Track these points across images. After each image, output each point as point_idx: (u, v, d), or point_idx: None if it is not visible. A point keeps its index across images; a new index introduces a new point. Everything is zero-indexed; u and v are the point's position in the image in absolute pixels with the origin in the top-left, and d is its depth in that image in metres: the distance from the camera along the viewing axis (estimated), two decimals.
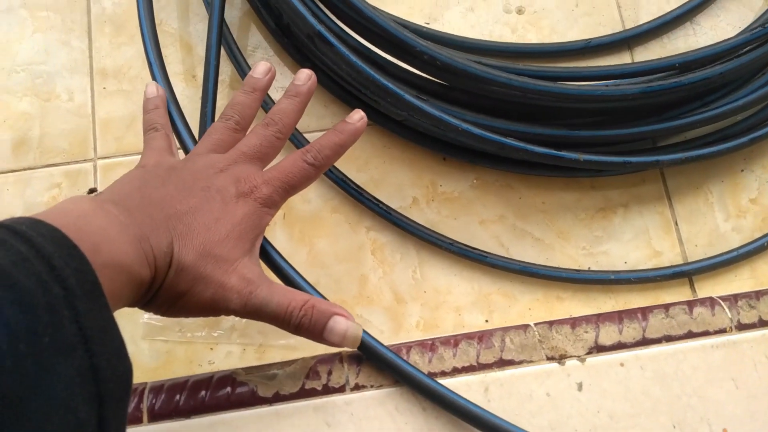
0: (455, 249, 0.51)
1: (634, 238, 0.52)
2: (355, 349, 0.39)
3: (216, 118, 0.48)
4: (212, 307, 0.37)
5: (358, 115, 0.44)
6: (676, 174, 0.54)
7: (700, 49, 0.49)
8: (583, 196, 0.53)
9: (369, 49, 0.51)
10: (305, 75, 0.45)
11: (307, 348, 0.45)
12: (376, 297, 0.50)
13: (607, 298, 0.50)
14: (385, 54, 0.51)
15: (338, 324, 0.37)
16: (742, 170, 0.54)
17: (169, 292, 0.36)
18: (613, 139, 0.51)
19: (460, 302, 0.50)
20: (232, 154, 0.41)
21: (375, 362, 0.38)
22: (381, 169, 0.54)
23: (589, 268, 0.51)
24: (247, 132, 0.44)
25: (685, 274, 0.50)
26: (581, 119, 0.52)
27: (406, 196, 0.53)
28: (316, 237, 0.52)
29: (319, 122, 0.55)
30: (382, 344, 0.39)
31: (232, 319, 0.49)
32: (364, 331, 0.40)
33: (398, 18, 0.55)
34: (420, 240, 0.52)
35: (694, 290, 0.50)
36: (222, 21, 0.52)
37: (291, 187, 0.41)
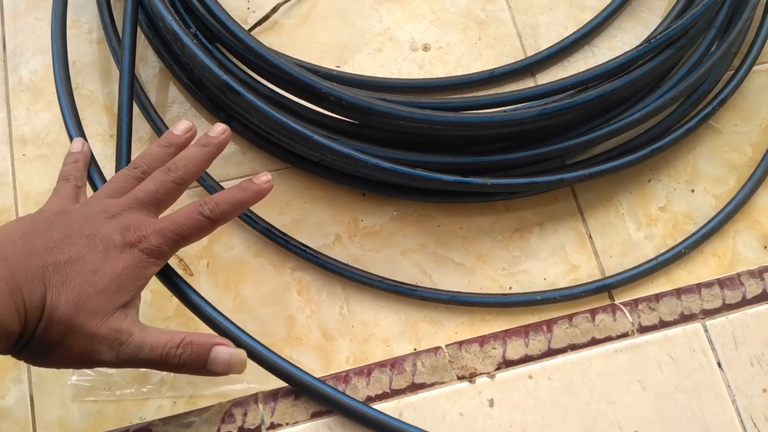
0: (385, 286, 0.52)
1: (551, 254, 0.54)
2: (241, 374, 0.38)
3: None
4: (83, 359, 0.37)
5: (265, 177, 0.44)
6: (586, 190, 0.56)
7: (590, 69, 0.52)
8: (499, 219, 0.55)
9: (280, 95, 0.53)
10: (220, 128, 0.45)
11: (239, 392, 0.45)
12: (304, 336, 0.51)
13: (530, 315, 0.51)
14: (296, 98, 0.53)
15: (220, 353, 0.38)
16: (650, 180, 0.56)
17: (40, 344, 0.36)
18: (520, 161, 0.53)
19: (388, 333, 0.51)
20: (125, 199, 0.41)
21: (307, 395, 0.38)
22: (302, 210, 0.55)
23: (510, 287, 0.53)
24: None
25: (608, 287, 0.52)
26: (489, 145, 0.54)
27: (328, 233, 0.54)
28: (241, 282, 0.52)
29: (237, 169, 0.56)
30: (312, 376, 0.39)
31: (160, 373, 0.49)
32: (298, 368, 0.40)
33: (308, 63, 0.57)
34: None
35: (612, 301, 0.51)
36: (132, 79, 0.53)
37: (182, 238, 0.41)
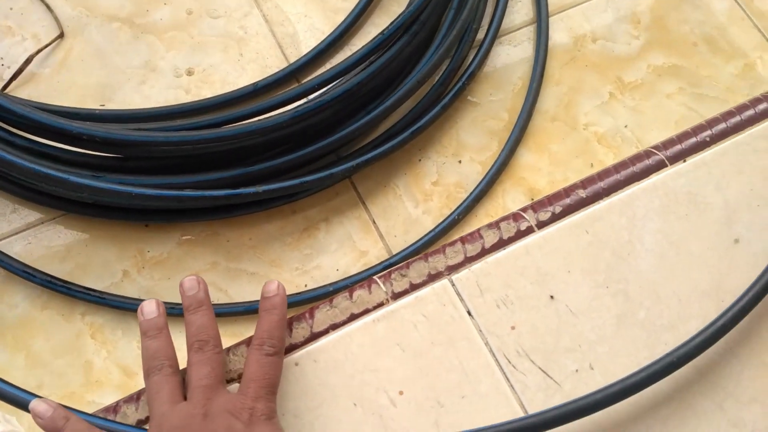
0: (179, 311, 0.51)
1: (341, 246, 0.56)
2: None
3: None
4: None
5: (273, 286, 0.43)
6: (364, 179, 0.58)
7: (332, 67, 0.55)
8: (286, 223, 0.56)
9: (42, 144, 0.52)
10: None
11: None
12: (105, 378, 0.50)
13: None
14: (57, 144, 0.53)
15: None
16: (420, 160, 0.60)
17: None
18: (292, 163, 0.55)
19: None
20: (196, 394, 0.38)
21: None
22: (85, 253, 0.54)
23: (305, 285, 0.54)
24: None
25: (394, 265, 0.55)
26: (262, 155, 0.56)
27: (115, 271, 0.54)
28: (30, 339, 0.51)
29: (10, 226, 0.54)
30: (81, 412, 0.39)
31: None
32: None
33: (69, 108, 0.57)
34: None
35: None
36: None
37: (274, 386, 0.39)
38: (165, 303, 0.52)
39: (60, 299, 0.52)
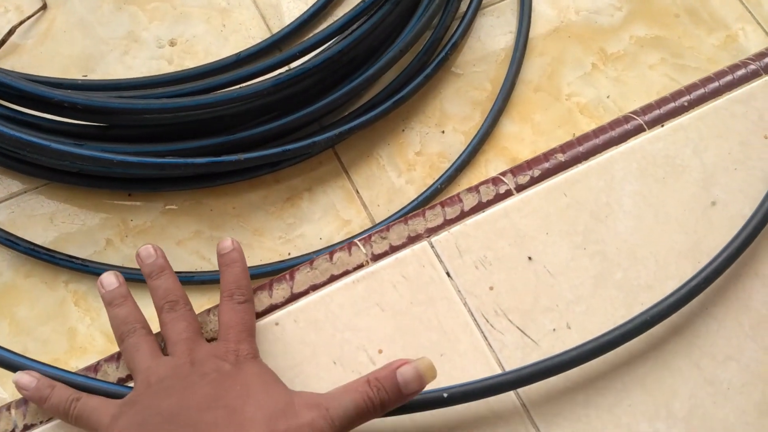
0: (141, 277, 0.52)
1: (324, 215, 0.56)
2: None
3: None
4: None
5: (227, 242, 0.43)
6: (347, 149, 0.59)
7: (306, 39, 0.55)
8: (269, 192, 0.57)
9: (23, 113, 0.52)
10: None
11: None
12: (89, 345, 0.50)
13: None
14: (39, 113, 0.53)
15: (407, 373, 0.36)
16: (403, 130, 0.60)
17: None
18: (274, 132, 0.55)
19: None
20: (178, 347, 0.39)
21: None
22: (68, 222, 0.54)
23: (289, 253, 0.55)
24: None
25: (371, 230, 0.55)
26: (246, 123, 0.56)
27: (98, 240, 0.54)
28: (14, 306, 0.51)
29: None
30: (63, 369, 0.39)
31: None
32: (47, 365, 0.39)
33: (52, 78, 0.57)
34: None
35: None
36: None
37: (251, 329, 0.40)
38: (124, 271, 0.52)
39: (43, 267, 0.52)
